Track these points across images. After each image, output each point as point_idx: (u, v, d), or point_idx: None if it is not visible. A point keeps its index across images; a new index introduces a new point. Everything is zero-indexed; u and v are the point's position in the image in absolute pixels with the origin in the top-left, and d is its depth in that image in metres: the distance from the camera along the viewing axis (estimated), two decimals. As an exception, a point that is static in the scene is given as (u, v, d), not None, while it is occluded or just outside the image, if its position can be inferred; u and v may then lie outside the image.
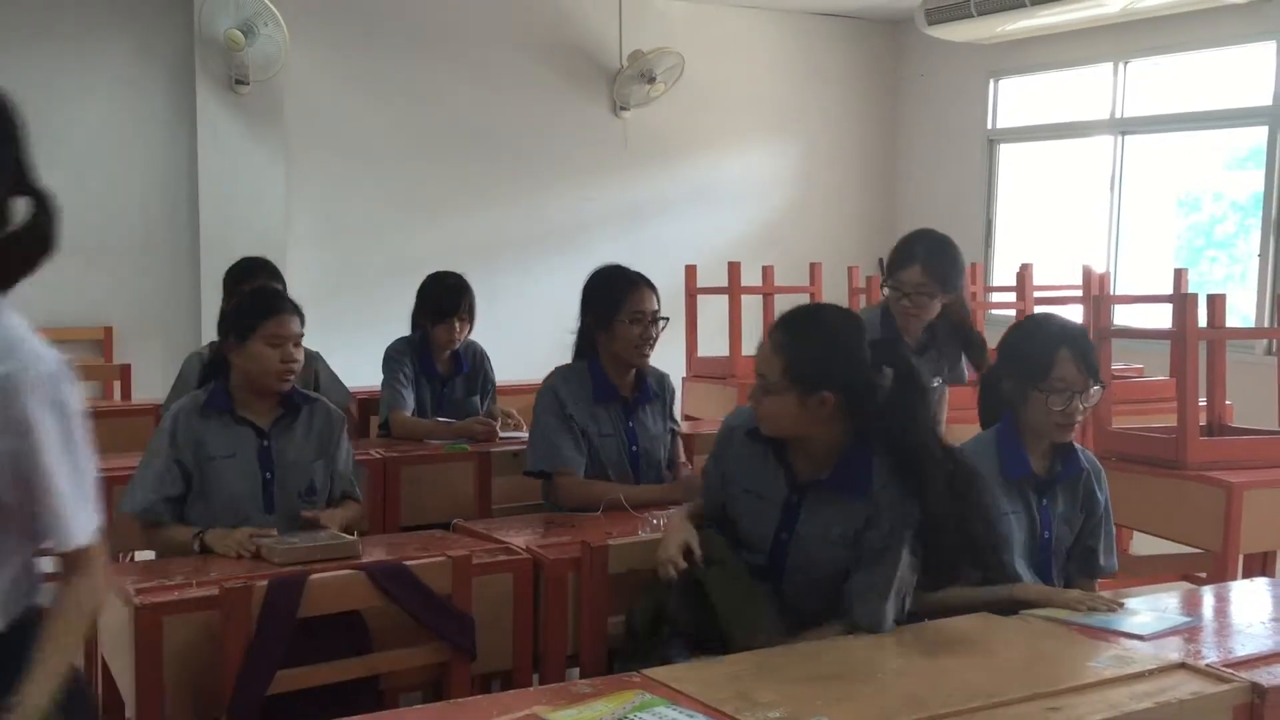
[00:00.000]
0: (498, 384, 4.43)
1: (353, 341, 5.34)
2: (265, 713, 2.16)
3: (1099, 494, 2.59)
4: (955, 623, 2.23)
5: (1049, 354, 2.48)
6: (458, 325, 4.08)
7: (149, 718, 2.16)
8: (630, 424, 3.20)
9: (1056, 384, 2.46)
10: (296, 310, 2.96)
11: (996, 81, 8.17)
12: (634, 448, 3.19)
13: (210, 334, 6.47)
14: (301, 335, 2.94)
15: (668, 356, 6.32)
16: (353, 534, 2.85)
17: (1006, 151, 8.23)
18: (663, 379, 3.36)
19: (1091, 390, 2.48)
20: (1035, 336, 2.56)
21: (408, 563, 2.37)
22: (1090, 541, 2.60)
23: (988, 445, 2.54)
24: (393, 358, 4.11)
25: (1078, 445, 2.61)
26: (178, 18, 6.45)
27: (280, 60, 6.34)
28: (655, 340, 3.19)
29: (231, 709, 2.12)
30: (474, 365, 4.26)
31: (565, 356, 3.32)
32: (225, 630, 2.15)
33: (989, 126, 8.21)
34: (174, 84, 6.54)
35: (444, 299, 4.08)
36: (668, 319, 3.26)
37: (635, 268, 3.32)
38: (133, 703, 2.19)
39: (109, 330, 6.45)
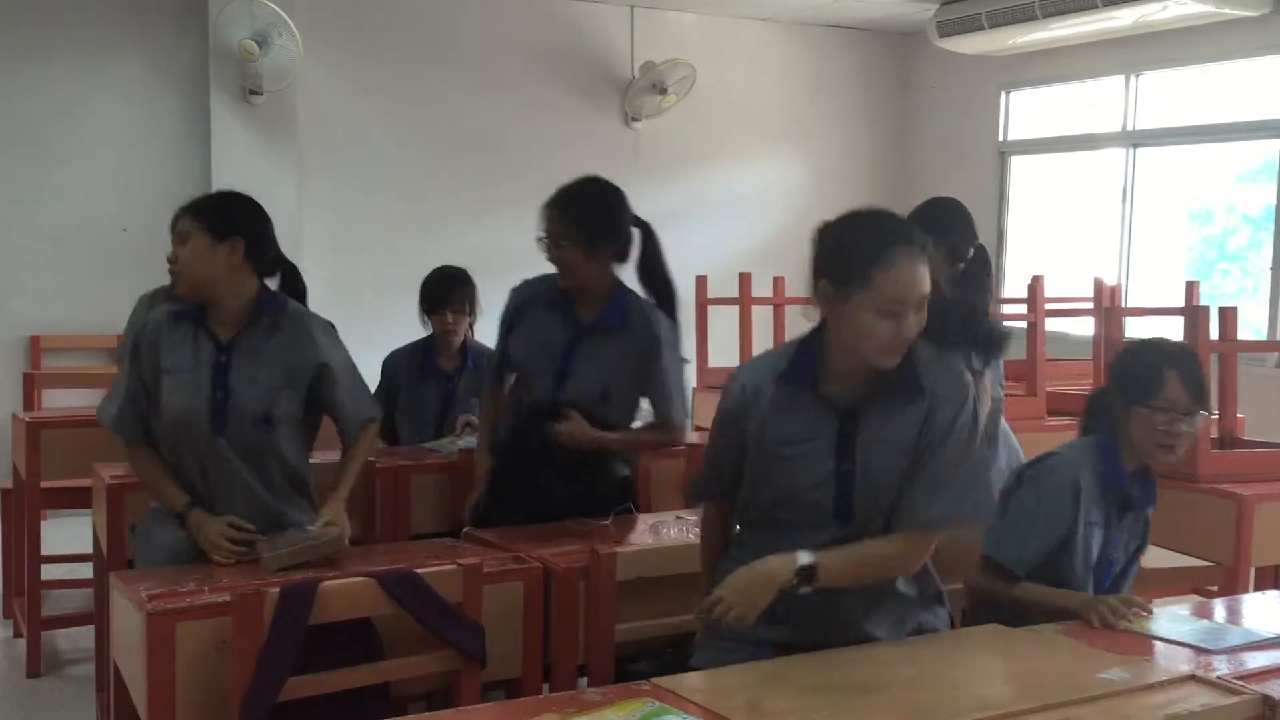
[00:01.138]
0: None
1: (365, 349, 5.32)
2: (276, 718, 2.16)
3: (1148, 530, 2.66)
4: (968, 634, 2.23)
5: (1158, 374, 2.50)
6: (451, 316, 4.11)
7: (160, 723, 2.17)
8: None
9: (1162, 404, 2.49)
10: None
11: (1008, 94, 8.17)
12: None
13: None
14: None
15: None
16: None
17: (1018, 163, 8.23)
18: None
19: (1198, 415, 2.51)
20: (1145, 355, 2.58)
21: (418, 571, 2.38)
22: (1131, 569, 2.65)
23: (1087, 451, 2.58)
24: (383, 370, 4.18)
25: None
26: (193, 29, 6.50)
27: (293, 70, 6.37)
28: None
29: (242, 715, 2.13)
30: (480, 365, 4.27)
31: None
32: (236, 637, 2.16)
33: (1000, 139, 8.21)
34: (188, 94, 6.58)
35: (435, 289, 4.14)
36: None
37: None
38: (145, 709, 2.19)
39: (120, 339, 6.48)
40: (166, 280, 3.41)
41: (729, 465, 2.27)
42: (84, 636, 4.08)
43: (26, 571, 4.07)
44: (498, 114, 7.39)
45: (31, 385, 5.42)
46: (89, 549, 3.85)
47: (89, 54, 6.41)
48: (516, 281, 3.23)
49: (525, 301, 3.15)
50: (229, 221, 2.73)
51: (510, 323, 3.17)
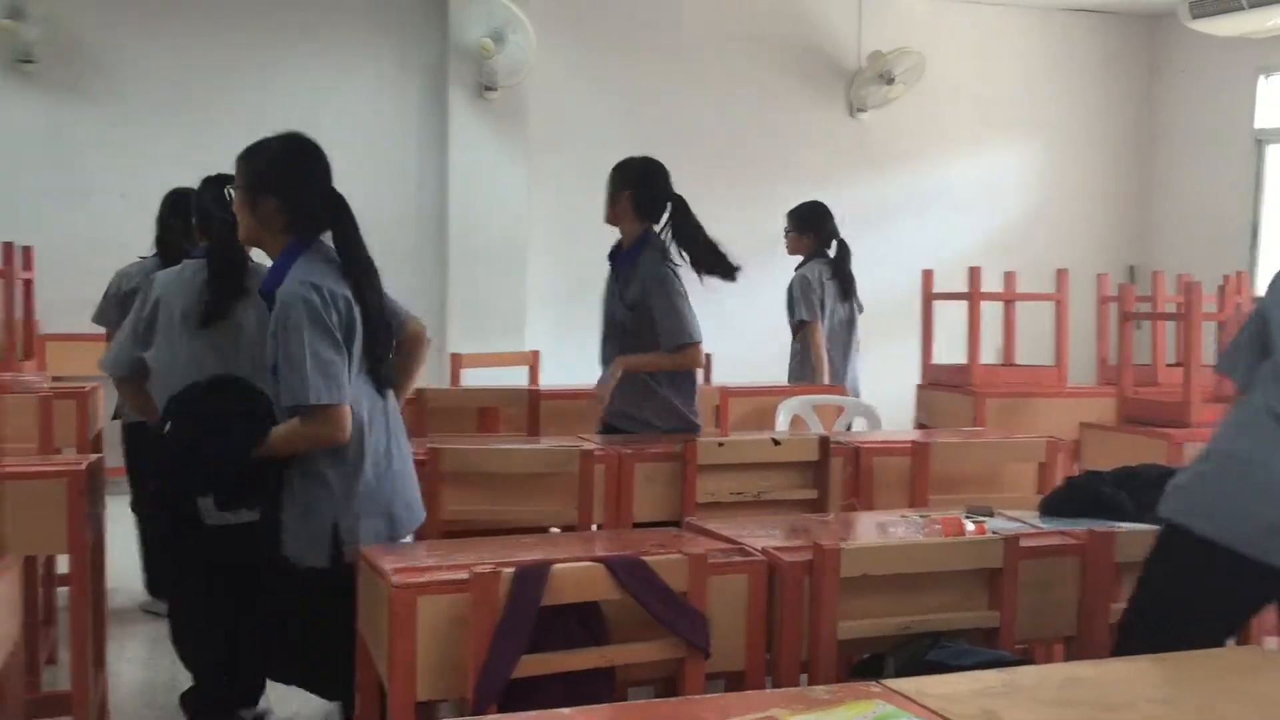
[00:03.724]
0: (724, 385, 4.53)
1: (586, 342, 5.48)
2: (507, 694, 2.24)
3: None
4: (1223, 654, 2.09)
5: None
6: None
7: (403, 691, 2.28)
8: None
9: None
10: None
11: (1266, 78, 7.62)
12: None
13: (455, 331, 6.81)
14: None
15: (901, 362, 6.22)
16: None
17: (1275, 152, 7.66)
18: None
19: None
20: None
21: (645, 558, 2.41)
22: None
23: None
24: None
25: None
26: (433, 28, 6.79)
27: (526, 66, 6.57)
28: None
29: (477, 688, 2.21)
30: None
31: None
32: (473, 613, 2.25)
33: (1256, 126, 7.66)
34: (428, 90, 6.89)
35: None
36: None
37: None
38: (388, 676, 2.31)
39: (363, 324, 6.85)
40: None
41: None
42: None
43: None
44: (720, 107, 7.41)
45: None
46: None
47: (338, 57, 6.80)
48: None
49: None
50: (257, 178, 2.75)
51: None
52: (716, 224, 7.56)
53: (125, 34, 6.38)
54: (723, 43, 7.44)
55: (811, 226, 5.38)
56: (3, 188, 6.05)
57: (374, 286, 2.73)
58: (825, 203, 5.51)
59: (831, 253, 5.37)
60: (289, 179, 2.72)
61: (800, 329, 5.29)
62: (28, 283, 4.87)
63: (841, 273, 5.30)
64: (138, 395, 3.35)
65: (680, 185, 8.23)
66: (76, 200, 6.08)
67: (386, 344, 2.80)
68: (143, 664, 4.21)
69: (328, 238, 2.76)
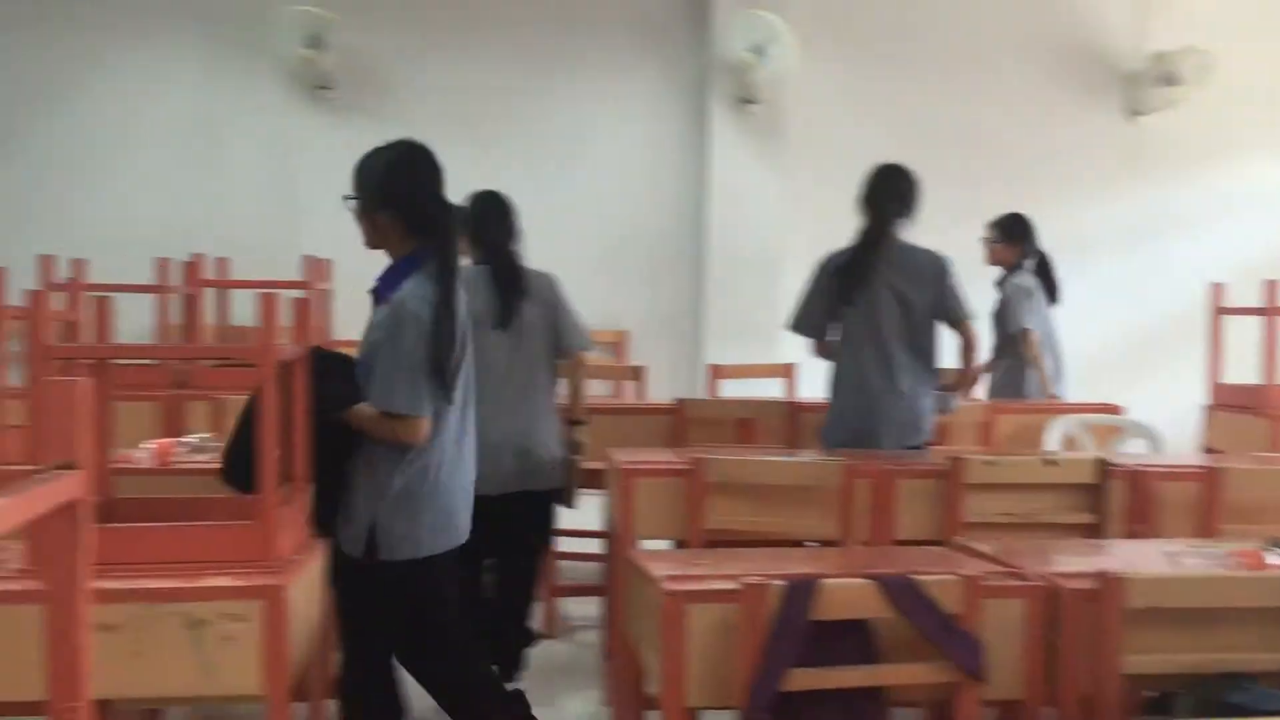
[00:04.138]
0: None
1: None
2: (777, 707, 2.25)
3: None
4: None
5: None
6: None
7: (673, 695, 2.33)
8: None
9: None
10: None
11: None
12: None
13: (712, 341, 6.88)
14: None
15: (1181, 381, 5.84)
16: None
17: None
18: None
19: None
20: None
21: (916, 577, 2.37)
22: None
23: None
24: None
25: None
26: (695, 44, 6.90)
27: (788, 79, 6.58)
28: None
29: (749, 699, 2.23)
30: None
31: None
32: (743, 624, 2.27)
33: None
34: (688, 105, 7.00)
35: None
36: None
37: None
38: (659, 680, 2.36)
39: (623, 334, 7.02)
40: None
41: None
42: (589, 605, 4.48)
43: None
44: (986, 114, 7.18)
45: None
46: (597, 525, 4.22)
47: (603, 75, 7.00)
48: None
49: None
50: (371, 191, 2.80)
51: None
52: (978, 235, 7.36)
53: (413, 61, 6.80)
54: (989, 48, 7.19)
55: (1020, 237, 5.38)
56: (305, 205, 6.58)
57: (458, 299, 2.76)
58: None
59: (1032, 263, 5.36)
60: (400, 189, 2.79)
61: (1009, 341, 5.22)
62: (326, 293, 5.26)
63: (1049, 281, 5.35)
64: None
65: (941, 196, 8.03)
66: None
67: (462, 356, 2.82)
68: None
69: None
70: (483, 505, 3.37)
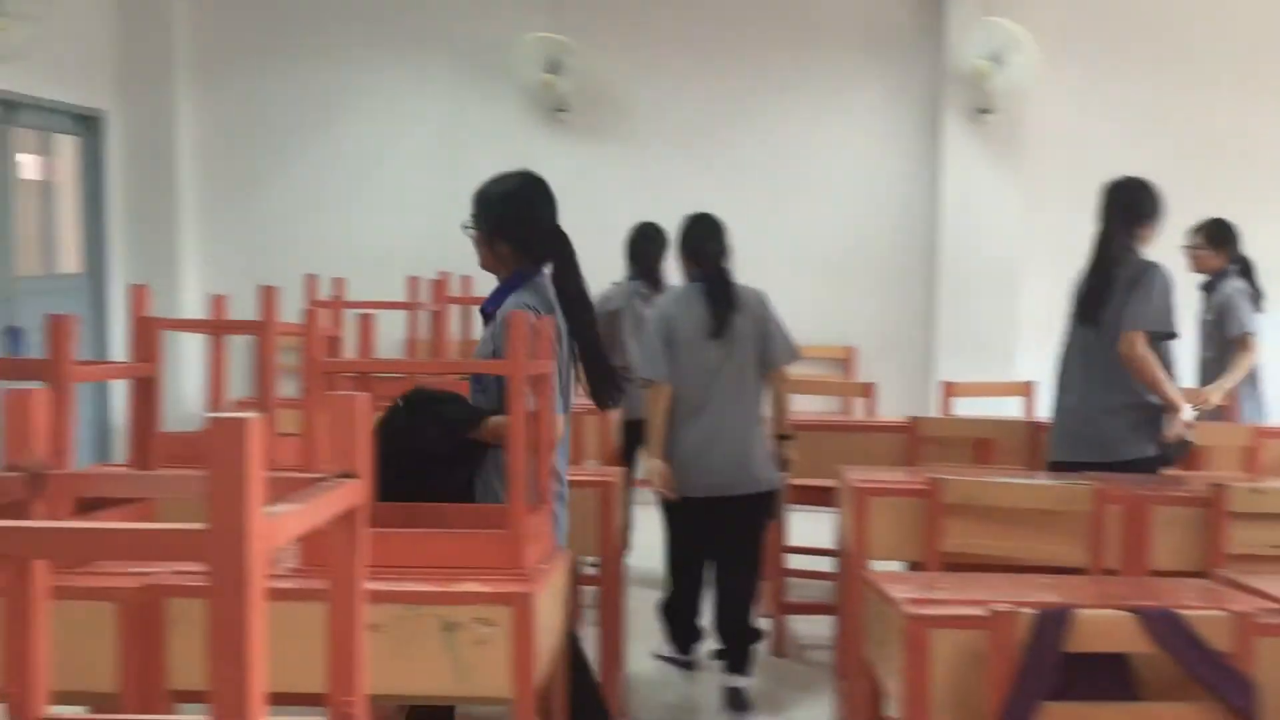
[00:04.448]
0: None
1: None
2: (1027, 741, 2.16)
3: None
4: None
5: None
6: None
7: (916, 721, 2.28)
8: None
9: None
10: None
11: None
12: None
13: (944, 357, 6.70)
14: None
15: None
16: None
17: None
18: None
19: None
20: None
21: (1180, 612, 2.23)
22: None
23: None
24: None
25: None
26: (927, 53, 6.76)
27: (1027, 88, 6.36)
28: None
29: (997, 730, 2.16)
30: None
31: None
32: (991, 652, 2.19)
33: None
34: (920, 116, 6.86)
35: None
36: None
37: None
38: (902, 706, 2.32)
39: (851, 350, 6.93)
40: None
41: None
42: (820, 624, 4.42)
43: (775, 559, 4.51)
44: (1239, 117, 6.73)
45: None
46: (827, 544, 4.17)
47: (834, 91, 6.95)
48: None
49: None
50: (490, 222, 2.92)
51: None
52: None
53: (643, 82, 6.94)
54: (1243, 49, 6.75)
55: (1226, 242, 5.23)
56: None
57: (584, 317, 2.91)
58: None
59: (1236, 268, 5.19)
60: (518, 222, 2.92)
61: (1226, 347, 5.04)
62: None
63: (1256, 287, 5.22)
64: (658, 396, 3.79)
65: (1199, 204, 7.59)
66: (603, 233, 6.65)
67: (601, 371, 2.94)
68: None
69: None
70: (697, 507, 3.42)
